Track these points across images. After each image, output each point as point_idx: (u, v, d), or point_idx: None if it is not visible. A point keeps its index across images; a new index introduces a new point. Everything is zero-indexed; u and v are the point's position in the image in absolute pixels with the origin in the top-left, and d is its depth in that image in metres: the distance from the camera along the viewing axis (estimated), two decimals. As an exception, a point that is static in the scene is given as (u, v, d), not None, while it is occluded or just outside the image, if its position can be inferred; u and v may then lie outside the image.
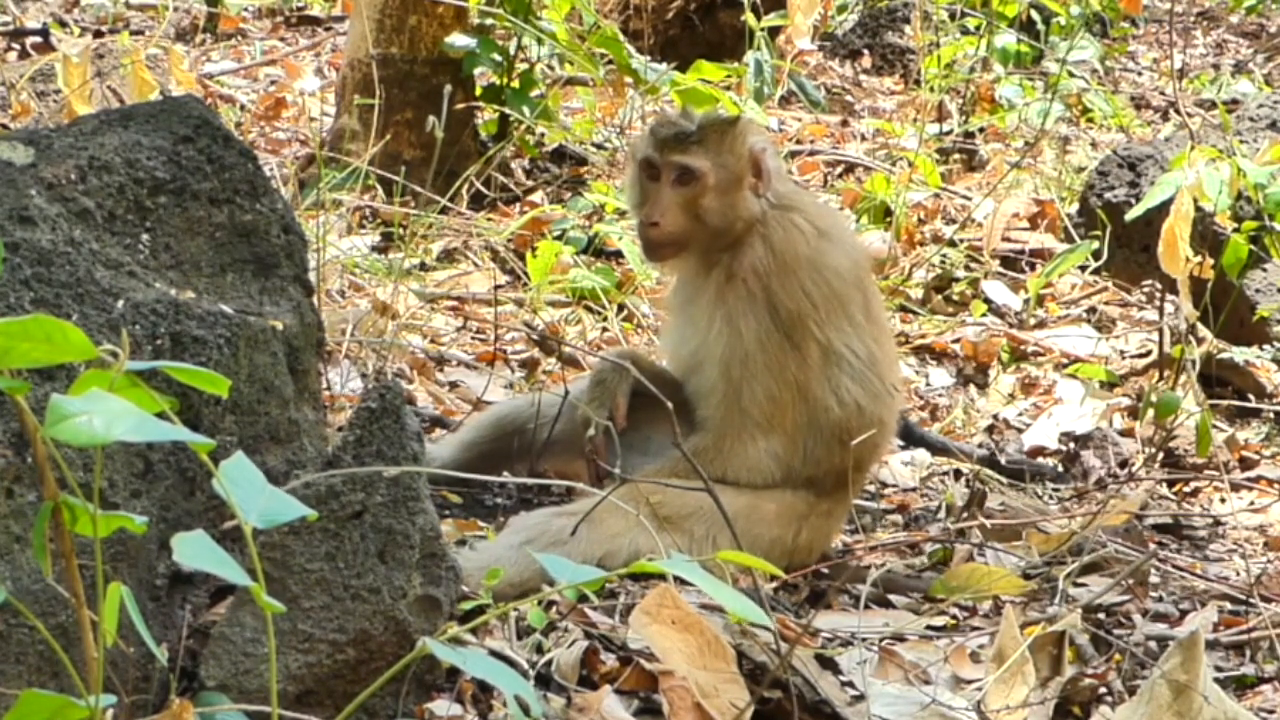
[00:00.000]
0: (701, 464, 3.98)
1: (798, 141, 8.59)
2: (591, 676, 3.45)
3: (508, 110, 7.39)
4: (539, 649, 3.49)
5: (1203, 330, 6.08)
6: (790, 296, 4.17)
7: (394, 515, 3.14)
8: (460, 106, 7.18)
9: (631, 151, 4.37)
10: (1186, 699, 3.33)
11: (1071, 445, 5.62)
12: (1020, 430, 5.82)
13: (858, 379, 4.22)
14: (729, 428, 4.16)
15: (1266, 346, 6.29)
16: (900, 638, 3.91)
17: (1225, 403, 5.98)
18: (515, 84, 7.42)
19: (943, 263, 7.07)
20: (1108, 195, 6.96)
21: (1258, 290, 6.41)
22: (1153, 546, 4.61)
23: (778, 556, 4.14)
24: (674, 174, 4.22)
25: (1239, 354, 6.15)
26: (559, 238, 6.72)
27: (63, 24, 9.51)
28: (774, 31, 9.16)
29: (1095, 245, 6.66)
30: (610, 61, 7.52)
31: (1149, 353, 6.37)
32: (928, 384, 6.26)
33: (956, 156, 8.62)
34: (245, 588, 2.21)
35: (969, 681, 3.71)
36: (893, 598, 4.23)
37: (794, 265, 4.19)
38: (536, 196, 7.40)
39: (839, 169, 8.24)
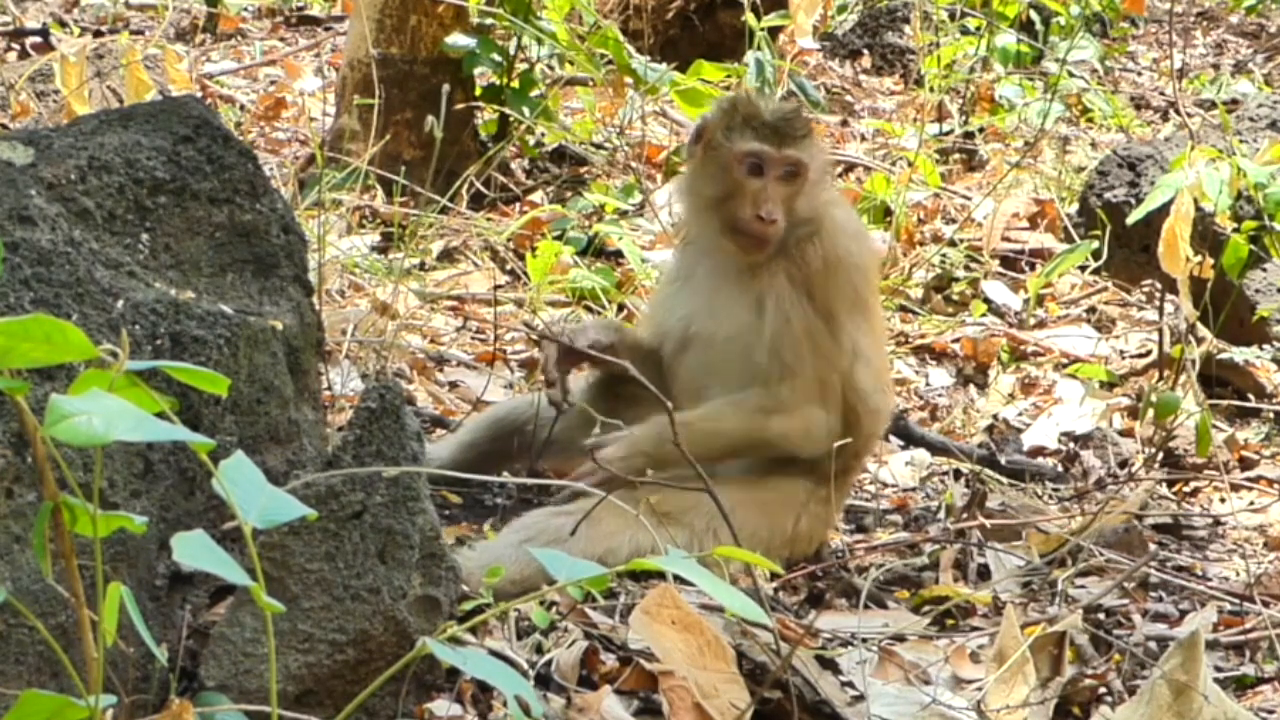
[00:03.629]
0: (767, 422, 4.10)
1: (798, 141, 8.58)
2: (591, 676, 3.45)
3: (508, 110, 7.39)
4: (539, 649, 3.49)
5: (1203, 330, 6.08)
6: (827, 294, 4.21)
7: (394, 515, 3.14)
8: (460, 106, 7.18)
9: (712, 138, 4.22)
10: (1187, 699, 3.33)
11: (1071, 445, 5.62)
12: (1020, 430, 5.82)
13: (868, 371, 4.30)
14: (795, 398, 4.19)
15: (1266, 346, 6.29)
16: (900, 638, 3.91)
17: (1225, 403, 5.97)
18: (515, 84, 7.42)
19: (943, 263, 7.07)
20: (1108, 195, 6.95)
21: (1258, 290, 6.40)
22: (1153, 547, 4.61)
23: (778, 545, 4.16)
24: (783, 168, 4.18)
25: (1239, 354, 6.15)
26: (559, 238, 6.72)
27: (62, 24, 9.51)
28: (774, 31, 9.16)
29: (1095, 245, 6.65)
30: (610, 61, 7.52)
31: (1149, 353, 6.36)
32: (928, 384, 6.26)
33: (956, 156, 8.62)
34: (245, 588, 2.21)
35: (969, 681, 3.71)
36: (894, 592, 4.24)
37: (835, 265, 4.23)
38: (536, 196, 7.40)
39: (839, 169, 8.24)
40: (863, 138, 8.86)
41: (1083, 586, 4.24)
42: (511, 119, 7.47)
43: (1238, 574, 4.58)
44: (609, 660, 3.50)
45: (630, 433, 4.08)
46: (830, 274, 4.22)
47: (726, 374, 4.26)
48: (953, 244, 7.17)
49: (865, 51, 10.47)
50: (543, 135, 7.77)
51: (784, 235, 4.20)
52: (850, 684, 3.57)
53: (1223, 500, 5.31)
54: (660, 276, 4.95)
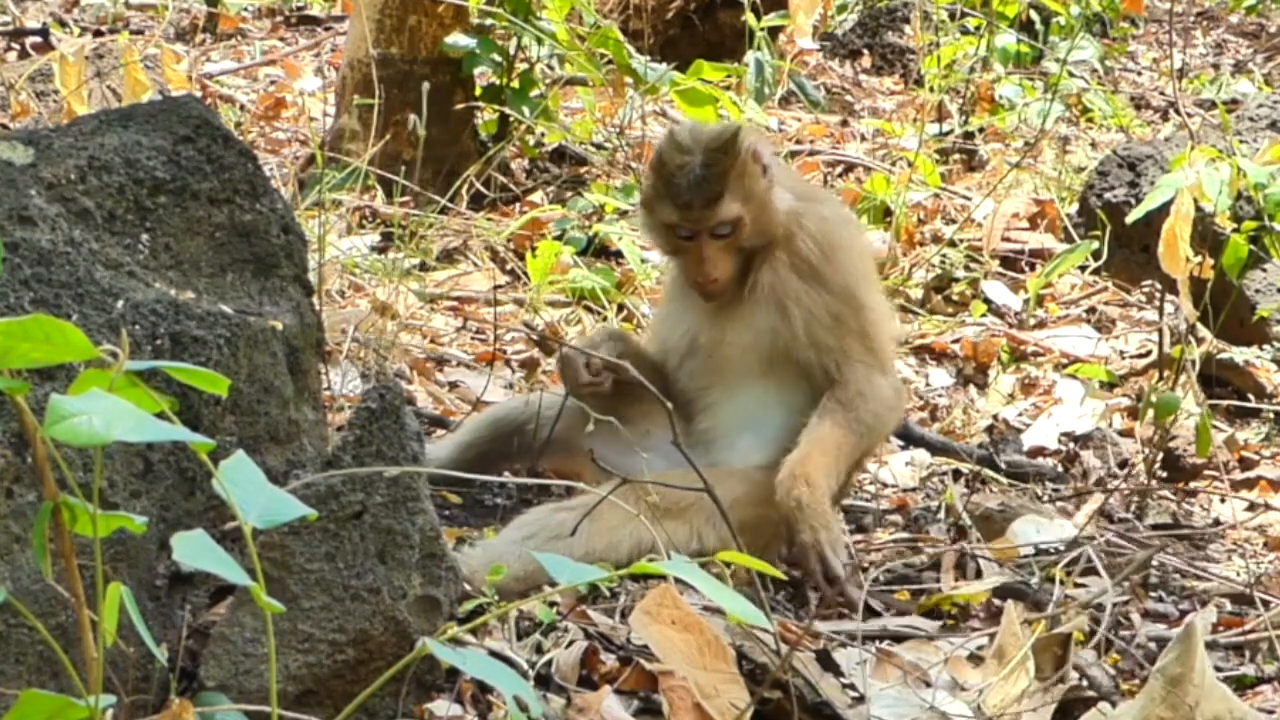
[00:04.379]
0: (858, 414, 4.16)
1: (798, 141, 8.59)
2: (591, 676, 3.45)
3: (508, 110, 7.39)
4: (539, 649, 3.49)
5: (1203, 330, 6.08)
6: (838, 276, 4.27)
7: (394, 515, 3.14)
8: (460, 106, 7.18)
9: (645, 203, 4.31)
10: (1181, 690, 3.33)
11: (1071, 445, 5.62)
12: (1020, 430, 5.81)
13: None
14: (857, 377, 4.24)
15: (1266, 346, 6.29)
16: (900, 638, 3.91)
17: (1225, 403, 5.98)
18: (515, 84, 7.42)
19: (943, 263, 7.07)
20: (1108, 195, 6.95)
21: (1258, 290, 6.41)
22: (1155, 544, 4.61)
23: (777, 540, 4.16)
24: (709, 232, 4.22)
25: (1239, 354, 6.15)
26: (559, 238, 6.72)
27: (62, 24, 9.50)
28: (774, 31, 9.16)
29: (1095, 245, 6.66)
30: (610, 61, 7.52)
31: (1149, 353, 6.36)
32: (928, 384, 6.26)
33: (956, 156, 8.61)
34: (245, 588, 2.21)
35: (971, 670, 3.71)
36: (893, 592, 4.24)
37: (833, 251, 4.28)
38: (536, 196, 7.40)
39: (839, 169, 8.24)
40: (863, 138, 8.85)
41: (1083, 585, 4.23)
42: (511, 119, 7.46)
43: (1238, 574, 4.58)
44: (609, 660, 3.50)
45: (810, 494, 4.09)
46: (830, 260, 4.26)
47: (724, 378, 4.29)
48: (953, 244, 7.17)
49: (865, 51, 10.46)
50: (543, 135, 7.77)
51: (753, 249, 4.25)
52: (851, 685, 3.57)
53: (1223, 500, 5.30)
54: (663, 290, 4.97)
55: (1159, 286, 6.20)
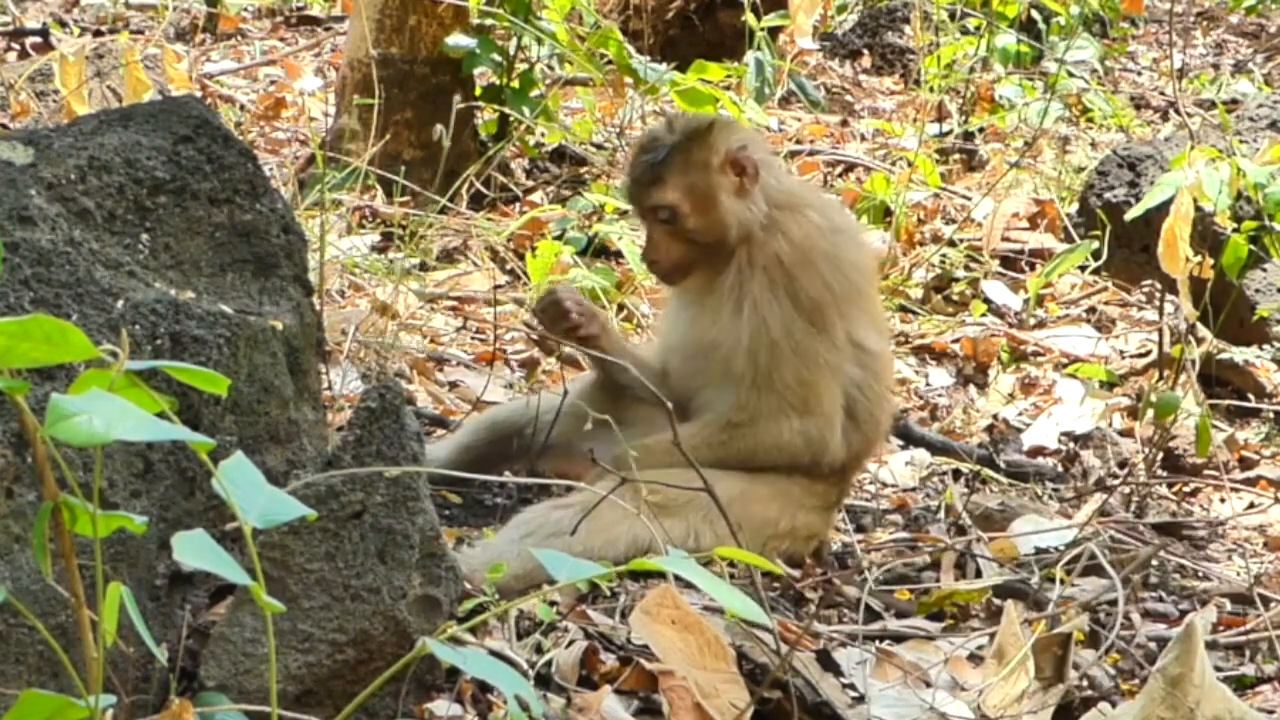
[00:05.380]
0: (732, 437, 4.12)
1: (798, 141, 8.59)
2: (591, 676, 3.45)
3: (508, 110, 7.39)
4: (539, 649, 3.49)
5: (1203, 330, 6.08)
6: (811, 287, 4.20)
7: (394, 515, 3.14)
8: (460, 106, 7.19)
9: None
10: (1181, 691, 3.33)
11: (1071, 445, 5.62)
12: (1020, 430, 5.81)
13: (866, 372, 4.27)
14: (763, 407, 4.19)
15: (1266, 346, 6.29)
16: (900, 638, 3.91)
17: (1225, 403, 5.98)
18: (515, 84, 7.42)
19: (943, 263, 7.07)
20: (1107, 195, 6.95)
21: (1258, 290, 6.41)
22: (1153, 545, 4.61)
23: (773, 540, 4.15)
24: (652, 214, 4.26)
25: (1239, 354, 6.15)
26: (559, 238, 6.72)
27: (62, 24, 9.50)
28: (774, 31, 9.16)
29: (1095, 245, 6.66)
30: (610, 61, 7.51)
31: (1149, 353, 6.37)
32: (928, 384, 6.26)
33: (956, 156, 8.61)
34: (245, 588, 2.21)
35: (971, 670, 3.71)
36: (893, 592, 4.24)
37: (813, 258, 4.22)
38: (536, 196, 7.40)
39: (839, 169, 8.24)
40: (863, 138, 8.85)
41: (1076, 585, 4.23)
42: (511, 119, 7.46)
43: (1238, 574, 4.58)
44: (609, 660, 3.50)
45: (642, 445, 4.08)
46: (807, 268, 4.20)
47: (713, 378, 4.28)
48: (953, 244, 7.17)
49: (865, 51, 10.46)
50: (543, 135, 7.77)
51: (709, 256, 4.23)
52: (851, 685, 3.57)
53: (1223, 500, 5.30)
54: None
55: (1159, 286, 6.20)
